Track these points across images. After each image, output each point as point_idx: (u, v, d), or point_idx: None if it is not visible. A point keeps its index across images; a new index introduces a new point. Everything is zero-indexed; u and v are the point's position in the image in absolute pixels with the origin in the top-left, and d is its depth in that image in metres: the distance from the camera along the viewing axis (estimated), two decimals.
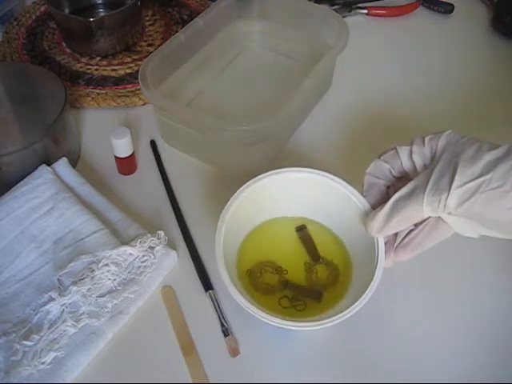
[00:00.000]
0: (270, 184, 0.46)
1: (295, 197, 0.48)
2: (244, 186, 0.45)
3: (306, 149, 0.60)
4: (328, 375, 0.43)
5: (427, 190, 0.36)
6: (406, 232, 0.41)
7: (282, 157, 0.59)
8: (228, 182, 0.55)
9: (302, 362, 0.44)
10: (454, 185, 0.35)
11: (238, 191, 0.45)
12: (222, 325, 0.45)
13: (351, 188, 0.44)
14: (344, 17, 0.77)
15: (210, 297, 0.47)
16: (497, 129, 0.63)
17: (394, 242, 0.41)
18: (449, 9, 0.80)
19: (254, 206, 0.46)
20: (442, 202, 0.35)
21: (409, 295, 0.48)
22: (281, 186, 0.47)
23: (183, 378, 0.42)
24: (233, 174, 0.56)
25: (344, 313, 0.38)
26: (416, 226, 0.40)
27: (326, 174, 0.46)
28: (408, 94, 0.67)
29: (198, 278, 0.48)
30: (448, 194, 0.35)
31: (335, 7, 0.80)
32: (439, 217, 0.38)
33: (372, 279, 0.40)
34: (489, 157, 0.35)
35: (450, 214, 0.36)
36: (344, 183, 0.45)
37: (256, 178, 0.46)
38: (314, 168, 0.46)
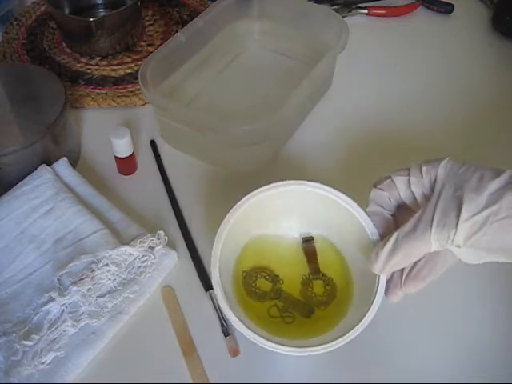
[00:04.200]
0: (279, 194, 0.45)
1: (304, 209, 0.46)
2: (250, 194, 0.44)
3: (306, 149, 0.60)
4: (328, 375, 0.43)
5: (434, 227, 0.35)
6: (412, 263, 0.39)
7: (281, 157, 0.59)
8: (228, 182, 0.55)
9: (302, 362, 0.44)
10: (462, 219, 0.34)
11: (243, 199, 0.44)
12: (222, 325, 0.45)
13: (359, 209, 0.43)
14: (344, 17, 0.77)
15: (210, 297, 0.47)
16: (497, 128, 0.63)
17: (401, 276, 0.39)
18: (449, 9, 0.80)
19: (262, 212, 0.45)
20: (451, 238, 0.34)
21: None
22: (290, 198, 0.45)
23: (183, 378, 0.43)
24: (233, 174, 0.56)
25: (333, 343, 0.37)
26: None
27: (334, 191, 0.44)
28: (407, 94, 0.67)
29: (198, 278, 0.48)
30: (456, 229, 0.34)
31: (335, 7, 0.80)
32: None
33: (368, 311, 0.38)
34: (493, 186, 0.34)
35: (458, 246, 0.35)
36: (350, 201, 0.43)
37: (268, 187, 0.44)
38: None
